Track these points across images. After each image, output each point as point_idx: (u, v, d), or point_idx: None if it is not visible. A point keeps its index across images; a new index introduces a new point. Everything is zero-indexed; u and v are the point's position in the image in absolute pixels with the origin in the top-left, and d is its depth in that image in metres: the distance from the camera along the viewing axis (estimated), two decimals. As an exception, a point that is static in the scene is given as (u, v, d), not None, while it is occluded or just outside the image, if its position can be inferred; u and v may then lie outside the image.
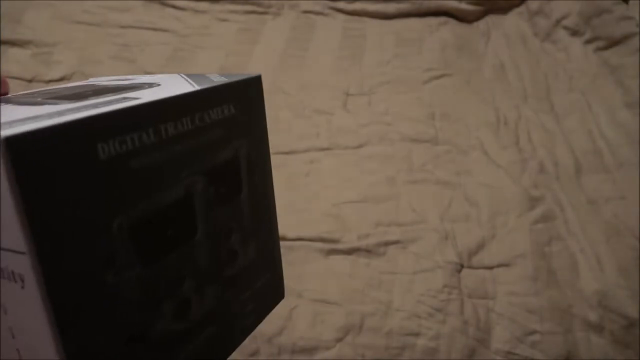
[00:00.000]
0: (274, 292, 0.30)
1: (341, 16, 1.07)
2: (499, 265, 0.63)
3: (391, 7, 1.07)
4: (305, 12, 1.06)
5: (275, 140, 0.76)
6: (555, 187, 0.73)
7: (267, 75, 0.91)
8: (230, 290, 0.25)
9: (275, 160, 0.81)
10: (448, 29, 1.03)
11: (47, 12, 0.99)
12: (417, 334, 0.56)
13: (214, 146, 0.22)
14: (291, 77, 0.91)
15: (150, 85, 0.23)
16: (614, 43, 0.91)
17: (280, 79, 0.90)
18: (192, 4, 1.05)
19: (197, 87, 0.21)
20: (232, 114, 0.23)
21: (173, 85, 0.22)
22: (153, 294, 0.20)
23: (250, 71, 0.92)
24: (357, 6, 1.07)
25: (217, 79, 0.23)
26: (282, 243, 0.63)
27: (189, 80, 0.24)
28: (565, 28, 0.98)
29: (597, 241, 0.65)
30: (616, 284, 0.60)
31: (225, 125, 0.22)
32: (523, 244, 0.65)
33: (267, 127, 0.27)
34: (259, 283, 0.28)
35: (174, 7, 1.05)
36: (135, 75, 0.29)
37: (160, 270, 0.20)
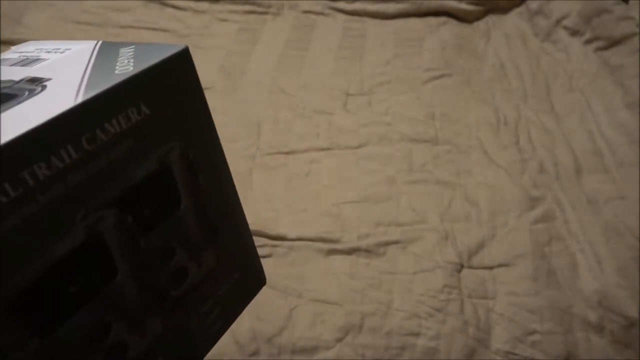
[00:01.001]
0: (249, 285, 0.27)
1: (341, 16, 1.07)
2: (499, 265, 0.63)
3: (391, 7, 1.07)
4: (305, 12, 1.06)
5: (275, 140, 0.76)
6: (555, 187, 0.73)
7: (267, 75, 0.91)
8: (182, 309, 0.22)
9: (275, 160, 0.82)
10: (448, 29, 1.03)
11: (47, 12, 0.99)
12: (417, 334, 0.56)
13: (122, 166, 0.17)
14: (291, 77, 0.91)
15: (33, 89, 0.17)
16: (614, 43, 0.91)
17: (280, 79, 0.90)
18: (192, 4, 1.05)
19: (77, 101, 0.15)
20: (144, 116, 0.17)
21: (59, 89, 0.17)
22: (66, 358, 0.17)
23: (250, 71, 0.92)
24: (357, 6, 1.07)
25: (123, 67, 0.17)
26: (282, 243, 0.64)
27: (86, 74, 0.17)
28: (565, 28, 0.98)
29: (597, 241, 0.65)
30: (616, 284, 0.60)
31: (136, 134, 0.17)
32: (523, 244, 0.65)
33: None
34: (225, 286, 0.24)
35: (174, 7, 1.05)
36: (49, 47, 0.23)
37: (70, 330, 0.17)
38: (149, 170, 0.18)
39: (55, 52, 0.22)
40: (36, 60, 0.21)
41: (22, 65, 0.21)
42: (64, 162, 0.15)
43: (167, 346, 0.21)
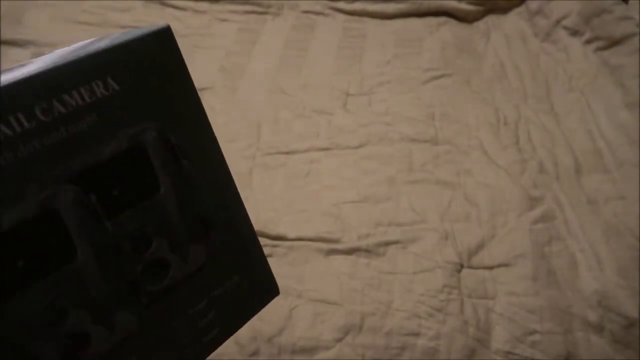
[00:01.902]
0: (255, 292, 0.25)
1: (341, 16, 1.07)
2: (499, 265, 0.63)
3: (391, 7, 1.07)
4: (305, 12, 1.06)
5: (275, 140, 0.76)
6: (555, 187, 0.73)
7: (267, 75, 0.91)
8: (165, 307, 0.20)
9: (275, 160, 0.82)
10: (448, 29, 1.03)
11: (47, 12, 0.99)
12: (417, 334, 0.56)
13: (84, 141, 0.16)
14: (291, 77, 0.91)
15: (13, 67, 0.17)
16: (614, 43, 0.91)
17: (280, 79, 0.90)
18: (192, 4, 1.05)
19: (31, 72, 0.15)
20: (112, 92, 0.17)
21: (31, 65, 0.16)
22: (7, 347, 0.15)
23: (250, 71, 0.92)
24: (357, 6, 1.07)
25: (97, 45, 0.17)
26: (282, 243, 0.64)
27: (64, 53, 0.17)
28: (565, 28, 0.98)
29: (597, 241, 0.65)
30: (616, 284, 0.60)
31: (101, 110, 0.17)
32: (523, 244, 0.65)
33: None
34: (220, 288, 0.23)
35: (174, 7, 1.05)
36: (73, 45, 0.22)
37: (19, 308, 0.16)
38: (118, 149, 0.17)
39: (59, 51, 0.21)
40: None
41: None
42: (13, 131, 0.14)
43: (145, 345, 0.20)
